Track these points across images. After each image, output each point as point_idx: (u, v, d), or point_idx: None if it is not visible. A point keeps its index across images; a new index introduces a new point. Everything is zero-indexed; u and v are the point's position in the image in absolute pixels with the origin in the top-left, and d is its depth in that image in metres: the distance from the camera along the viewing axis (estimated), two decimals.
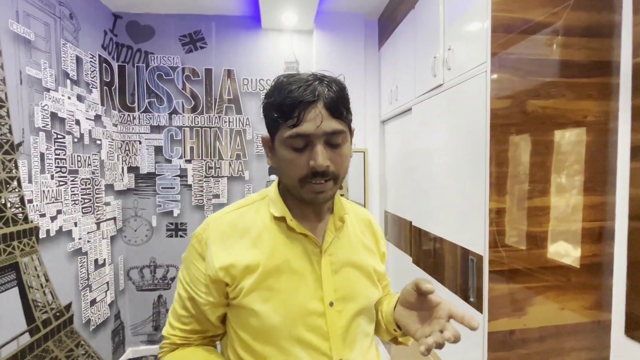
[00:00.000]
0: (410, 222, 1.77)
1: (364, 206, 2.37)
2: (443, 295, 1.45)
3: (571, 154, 1.16)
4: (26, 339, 1.34)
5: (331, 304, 0.52)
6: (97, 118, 1.87)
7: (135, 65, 2.12)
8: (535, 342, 1.15)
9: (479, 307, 1.16)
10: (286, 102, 0.48)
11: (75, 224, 1.68)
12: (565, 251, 1.16)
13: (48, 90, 1.48)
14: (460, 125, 1.29)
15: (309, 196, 0.51)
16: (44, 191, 1.45)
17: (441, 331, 0.46)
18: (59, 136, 1.55)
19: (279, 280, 0.51)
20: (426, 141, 1.59)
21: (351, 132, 0.55)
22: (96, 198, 1.86)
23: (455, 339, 0.44)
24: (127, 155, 2.13)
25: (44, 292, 1.45)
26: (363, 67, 2.21)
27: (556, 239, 1.14)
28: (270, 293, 0.50)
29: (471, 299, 1.20)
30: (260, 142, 2.18)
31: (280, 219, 0.55)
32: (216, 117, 2.19)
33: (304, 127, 0.47)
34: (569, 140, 1.16)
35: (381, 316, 0.62)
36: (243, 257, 0.52)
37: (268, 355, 0.50)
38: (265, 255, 0.52)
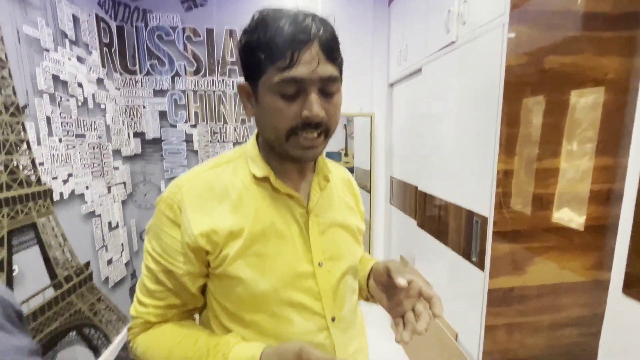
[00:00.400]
0: (416, 187, 1.78)
1: (370, 172, 2.37)
2: (446, 256, 1.51)
3: (587, 114, 1.12)
4: (51, 293, 1.43)
5: (320, 265, 0.51)
6: (100, 81, 1.84)
7: (134, 25, 2.03)
8: (534, 298, 1.19)
9: (480, 266, 1.19)
10: (276, 40, 0.41)
11: (87, 187, 1.72)
12: (570, 214, 1.16)
13: (47, 50, 1.45)
14: (472, 85, 1.24)
15: (296, 152, 0.47)
16: (53, 155, 1.47)
17: (414, 311, 0.47)
18: (63, 99, 1.53)
19: (266, 245, 0.48)
20: (435, 104, 1.55)
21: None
22: (105, 162, 1.88)
23: (427, 328, 0.45)
24: (132, 120, 2.12)
25: (62, 250, 1.52)
26: (371, 26, 2.10)
27: (562, 202, 1.14)
28: (258, 259, 0.48)
29: (473, 259, 1.23)
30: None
31: (263, 179, 0.51)
32: (219, 81, 2.14)
33: (299, 71, 0.41)
34: (586, 100, 1.11)
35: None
36: (225, 223, 0.47)
37: (259, 322, 0.49)
38: (249, 219, 0.48)
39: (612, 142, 1.13)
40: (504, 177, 1.10)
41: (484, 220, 1.16)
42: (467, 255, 1.29)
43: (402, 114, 2.08)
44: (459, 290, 1.37)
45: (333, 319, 0.53)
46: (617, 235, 1.17)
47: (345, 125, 4.95)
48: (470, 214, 1.25)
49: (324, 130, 0.46)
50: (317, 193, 0.55)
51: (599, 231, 1.18)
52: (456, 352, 1.39)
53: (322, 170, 0.56)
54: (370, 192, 2.45)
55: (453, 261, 1.39)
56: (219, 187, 0.50)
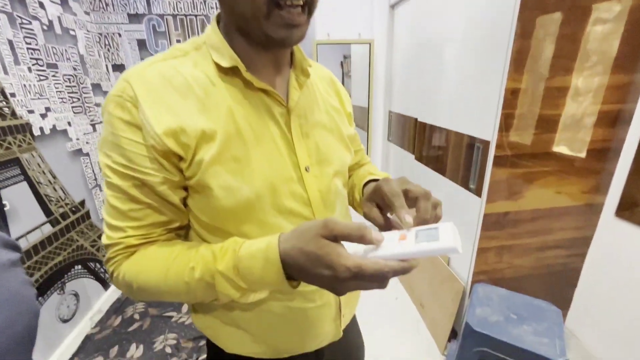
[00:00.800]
0: (416, 119, 1.70)
1: (368, 109, 2.27)
2: (444, 186, 1.51)
3: (609, 24, 1.01)
4: (49, 229, 1.43)
5: (307, 169, 0.47)
6: (64, 2, 1.63)
7: None
8: (527, 222, 1.21)
9: (478, 192, 1.19)
10: None
11: (70, 124, 1.63)
12: (574, 136, 1.12)
13: None
14: None
15: (278, 33, 0.40)
16: (24, 85, 1.35)
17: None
18: (24, 21, 1.36)
19: (245, 148, 0.43)
20: (440, 23, 1.40)
21: None
22: (85, 98, 1.76)
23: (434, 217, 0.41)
24: (109, 50, 1.94)
25: (54, 188, 1.49)
26: None
27: (568, 123, 1.09)
28: (238, 165, 0.42)
29: (471, 186, 1.22)
30: None
31: (231, 71, 0.43)
32: (201, 2, 1.91)
33: None
34: (610, 8, 0.99)
35: (355, 193, 0.60)
36: (194, 122, 0.40)
37: (247, 233, 0.44)
38: (221, 119, 0.42)
39: (632, 57, 1.04)
40: (512, 97, 1.03)
41: (486, 145, 1.11)
42: (465, 183, 1.27)
43: (403, 40, 1.91)
44: (454, 218, 1.39)
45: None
46: (620, 158, 1.15)
47: (341, 62, 4.65)
48: (471, 140, 1.20)
49: (308, 3, 0.40)
50: (296, 90, 0.48)
51: (601, 155, 1.15)
52: (448, 274, 1.46)
53: (300, 63, 0.49)
54: (367, 131, 2.38)
55: (450, 190, 1.39)
56: (179, 82, 0.42)
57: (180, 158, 0.41)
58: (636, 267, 1.12)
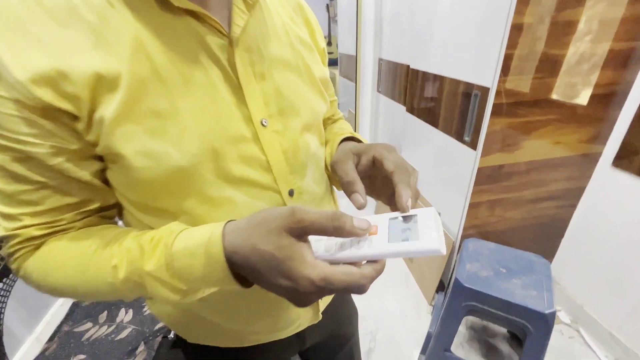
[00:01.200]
0: (408, 66, 1.56)
1: (356, 57, 2.08)
2: (436, 139, 1.42)
3: None
4: None
5: (264, 123, 0.36)
6: None
7: None
8: (521, 174, 1.16)
9: (473, 145, 1.11)
10: None
11: None
12: (578, 80, 1.02)
13: None
14: None
15: None
16: None
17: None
18: None
19: (168, 98, 0.31)
20: None
21: None
22: None
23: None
24: None
25: None
26: None
27: (573, 65, 0.99)
28: (160, 121, 0.30)
29: (465, 138, 1.14)
30: None
31: None
32: None
33: None
34: None
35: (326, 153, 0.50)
36: (81, 62, 0.27)
37: (189, 211, 0.34)
38: (126, 55, 0.29)
39: None
40: (516, 34, 0.91)
41: (485, 92, 1.01)
42: (459, 136, 1.19)
43: None
44: (446, 172, 1.33)
45: (291, 193, 0.40)
46: (625, 103, 1.07)
47: (327, 5, 4.24)
48: (468, 88, 1.09)
49: None
50: (242, 13, 0.35)
51: (605, 101, 1.07)
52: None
53: None
54: (356, 82, 2.22)
55: (443, 144, 1.31)
56: (55, 3, 0.27)
57: (75, 117, 0.29)
58: (628, 215, 1.11)
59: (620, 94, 1.06)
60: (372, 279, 0.27)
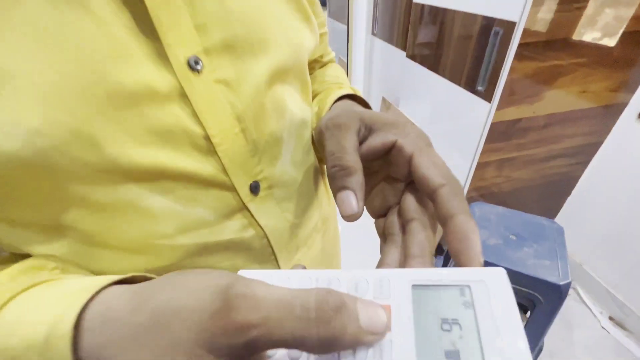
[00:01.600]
0: (410, 0, 1.32)
1: None
2: (441, 89, 1.23)
3: None
4: None
5: (194, 66, 0.20)
6: None
7: None
8: (538, 130, 1.02)
9: (487, 96, 0.95)
10: None
11: None
12: (619, 12, 0.84)
13: None
14: None
15: None
16: None
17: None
18: None
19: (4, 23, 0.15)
20: None
21: None
22: None
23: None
24: None
25: None
26: None
27: None
28: None
29: (479, 88, 0.97)
30: None
31: None
32: None
33: None
34: None
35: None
36: None
37: (70, 223, 0.20)
38: None
39: None
40: None
41: (510, 28, 0.83)
42: (470, 85, 1.02)
43: None
44: (451, 129, 1.18)
45: (255, 188, 0.25)
46: None
47: None
48: (488, 24, 0.90)
49: None
50: None
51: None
52: None
53: None
54: (348, 23, 1.94)
55: (450, 95, 1.14)
56: None
57: None
58: None
59: None
60: None
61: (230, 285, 0.13)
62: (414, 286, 0.15)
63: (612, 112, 1.05)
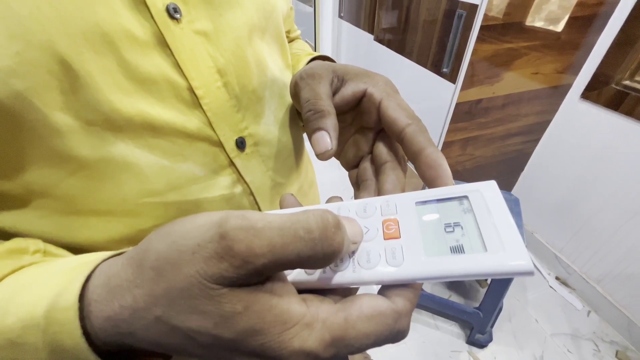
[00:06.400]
0: None
1: None
2: (409, 72, 1.27)
3: None
4: None
5: (173, 14, 0.20)
6: None
7: None
8: (497, 109, 1.10)
9: (452, 77, 1.00)
10: None
11: None
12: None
13: None
14: None
15: None
16: None
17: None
18: None
19: None
20: None
21: None
22: None
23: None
24: None
25: None
26: None
27: None
28: None
29: (444, 70, 1.02)
30: None
31: None
32: None
33: None
34: None
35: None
36: None
37: (43, 187, 0.18)
38: None
39: None
40: None
41: (472, 10, 0.86)
42: (436, 67, 1.06)
43: None
44: (419, 110, 1.22)
45: (240, 144, 0.25)
46: (606, 27, 1.01)
47: None
48: (451, 6, 0.93)
49: None
50: None
51: (587, 23, 0.99)
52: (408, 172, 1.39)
53: None
54: (314, 5, 1.90)
55: (417, 77, 1.18)
56: None
57: None
58: (591, 147, 1.13)
59: (603, 16, 0.98)
60: (410, 314, 0.15)
61: (224, 219, 0.13)
62: (417, 202, 0.17)
63: (559, 92, 1.15)
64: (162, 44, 0.20)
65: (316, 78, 0.23)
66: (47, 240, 0.20)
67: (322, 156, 0.21)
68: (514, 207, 0.98)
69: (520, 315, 1.19)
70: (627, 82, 0.99)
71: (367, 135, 0.24)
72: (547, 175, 1.32)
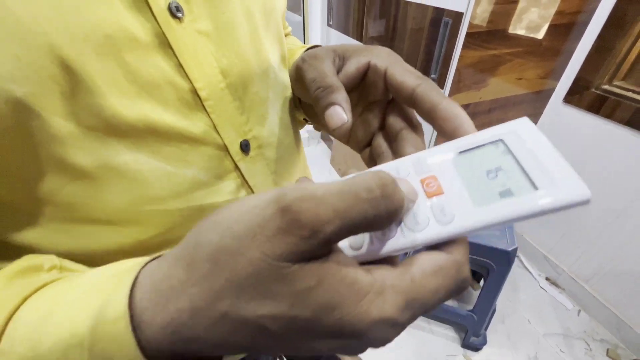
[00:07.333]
0: None
1: None
2: None
3: None
4: None
5: (176, 13, 0.19)
6: None
7: None
8: (484, 114, 1.12)
9: (440, 83, 1.02)
10: None
11: None
12: (547, 6, 0.95)
13: None
14: None
15: None
16: None
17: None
18: None
19: None
20: None
21: None
22: None
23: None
24: None
25: None
26: None
27: None
28: None
29: (432, 76, 1.04)
30: None
31: None
32: None
33: None
34: None
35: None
36: None
37: (40, 196, 0.18)
38: None
39: None
40: None
41: (458, 17, 0.89)
42: (424, 73, 1.08)
43: None
44: None
45: (245, 147, 0.25)
46: (584, 35, 1.05)
47: None
48: (438, 14, 0.96)
49: None
50: None
51: (566, 31, 1.03)
52: None
53: None
54: (303, 14, 1.93)
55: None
56: None
57: None
58: (575, 150, 1.16)
59: (582, 23, 1.02)
60: (468, 261, 0.15)
61: (281, 194, 0.12)
62: (452, 154, 0.17)
63: (543, 96, 1.18)
64: (164, 44, 0.19)
65: (318, 59, 0.23)
66: (45, 250, 0.19)
67: (338, 130, 0.20)
68: None
69: (513, 317, 1.20)
70: (606, 87, 1.03)
71: (374, 111, 0.24)
72: None
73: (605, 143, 1.06)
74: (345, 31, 1.68)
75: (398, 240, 0.15)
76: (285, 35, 0.40)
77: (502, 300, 1.24)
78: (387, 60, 0.22)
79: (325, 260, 0.13)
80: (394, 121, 0.22)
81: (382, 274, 0.14)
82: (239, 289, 0.12)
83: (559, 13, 0.97)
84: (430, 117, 0.19)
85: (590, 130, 1.09)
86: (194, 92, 0.21)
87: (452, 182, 0.16)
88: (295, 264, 0.12)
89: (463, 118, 0.18)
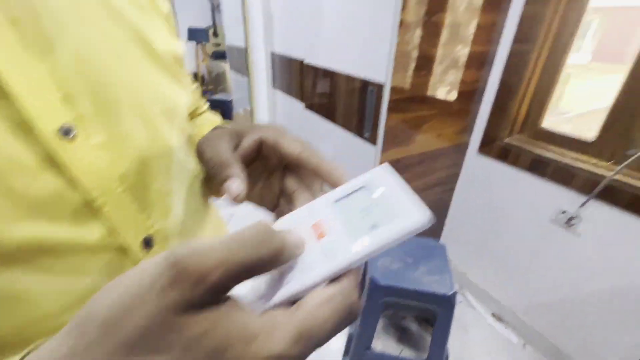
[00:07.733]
0: (302, 62, 1.50)
1: (246, 50, 1.92)
2: (337, 135, 1.40)
3: None
4: None
5: (66, 134, 0.20)
6: None
7: None
8: (415, 166, 1.24)
9: (372, 140, 1.13)
10: None
11: None
12: (451, 77, 1.15)
13: None
14: None
15: None
16: None
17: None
18: None
19: None
20: None
21: None
22: None
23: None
24: None
25: None
26: None
27: (445, 64, 1.10)
28: None
29: (366, 134, 1.15)
30: None
31: None
32: None
33: None
34: None
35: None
36: None
37: None
38: None
39: None
40: (404, 31, 0.93)
41: (380, 87, 1.02)
42: (359, 132, 1.19)
43: None
44: (348, 169, 1.33)
45: (148, 243, 0.25)
46: (483, 99, 1.26)
47: None
48: (364, 84, 1.09)
49: None
50: None
51: (470, 96, 1.23)
52: None
53: None
54: (248, 76, 2.05)
55: (344, 140, 1.30)
56: None
57: None
58: (492, 194, 1.32)
59: (480, 90, 1.24)
60: (357, 287, 0.17)
61: (170, 253, 0.13)
62: (334, 202, 0.20)
63: (461, 149, 1.36)
64: (54, 164, 0.19)
65: (216, 139, 0.26)
66: None
67: (236, 199, 0.22)
68: (442, 253, 1.07)
69: (466, 358, 1.22)
70: (507, 140, 1.22)
71: (276, 177, 0.27)
72: (466, 220, 1.48)
73: (515, 186, 1.23)
74: (289, 93, 1.81)
75: (296, 282, 0.17)
76: (202, 113, 0.42)
77: (454, 342, 1.26)
78: (275, 134, 0.25)
79: (216, 307, 0.13)
80: (289, 183, 0.26)
81: (274, 314, 0.15)
82: (131, 348, 0.12)
83: (462, 82, 1.17)
84: (316, 174, 0.23)
85: (502, 176, 1.26)
86: (89, 201, 0.21)
87: (335, 223, 0.19)
88: (186, 312, 0.12)
89: (340, 171, 0.23)
